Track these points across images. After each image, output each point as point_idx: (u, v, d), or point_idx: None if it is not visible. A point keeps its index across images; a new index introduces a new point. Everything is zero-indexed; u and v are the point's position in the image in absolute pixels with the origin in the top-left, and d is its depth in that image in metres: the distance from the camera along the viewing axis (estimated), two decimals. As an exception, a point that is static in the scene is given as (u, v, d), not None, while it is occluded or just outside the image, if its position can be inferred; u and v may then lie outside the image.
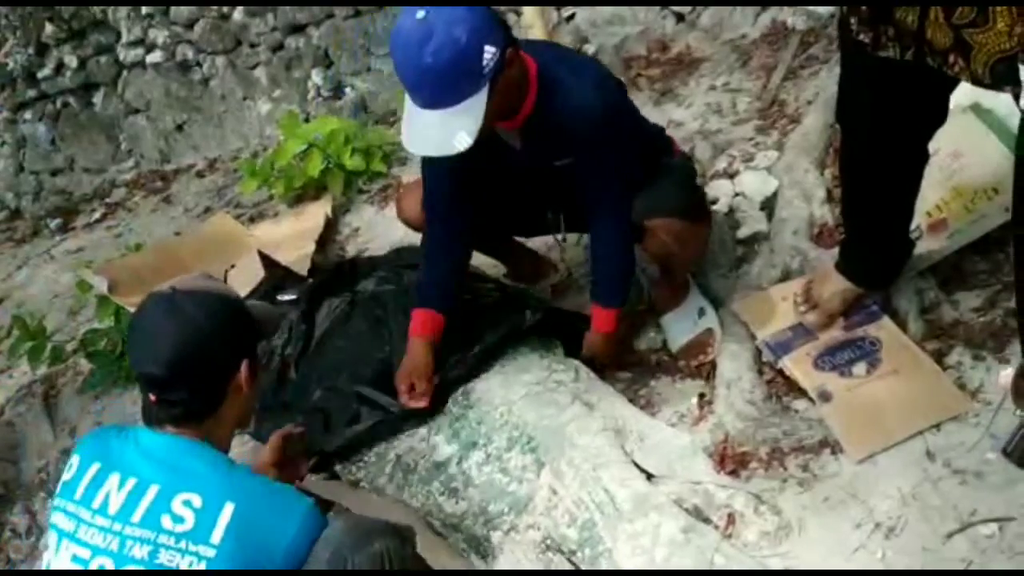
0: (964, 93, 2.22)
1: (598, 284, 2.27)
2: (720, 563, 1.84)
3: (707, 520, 1.96)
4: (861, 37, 1.65)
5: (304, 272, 3.06)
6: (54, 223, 4.81)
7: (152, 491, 1.49)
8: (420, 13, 1.80)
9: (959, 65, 1.52)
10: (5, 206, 5.28)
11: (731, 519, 1.94)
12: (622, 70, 3.55)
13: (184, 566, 1.44)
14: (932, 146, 2.24)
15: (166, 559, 1.45)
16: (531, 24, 3.15)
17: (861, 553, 1.82)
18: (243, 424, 1.77)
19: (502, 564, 1.99)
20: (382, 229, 3.35)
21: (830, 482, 1.96)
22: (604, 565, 1.91)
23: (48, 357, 3.14)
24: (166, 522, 1.46)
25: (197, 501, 1.48)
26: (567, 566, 1.95)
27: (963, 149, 2.22)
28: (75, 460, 1.58)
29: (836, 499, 1.92)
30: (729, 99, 3.15)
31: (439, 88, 1.82)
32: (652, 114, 3.23)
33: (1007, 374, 0.97)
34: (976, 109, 2.25)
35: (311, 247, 3.25)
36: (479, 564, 1.99)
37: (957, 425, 1.95)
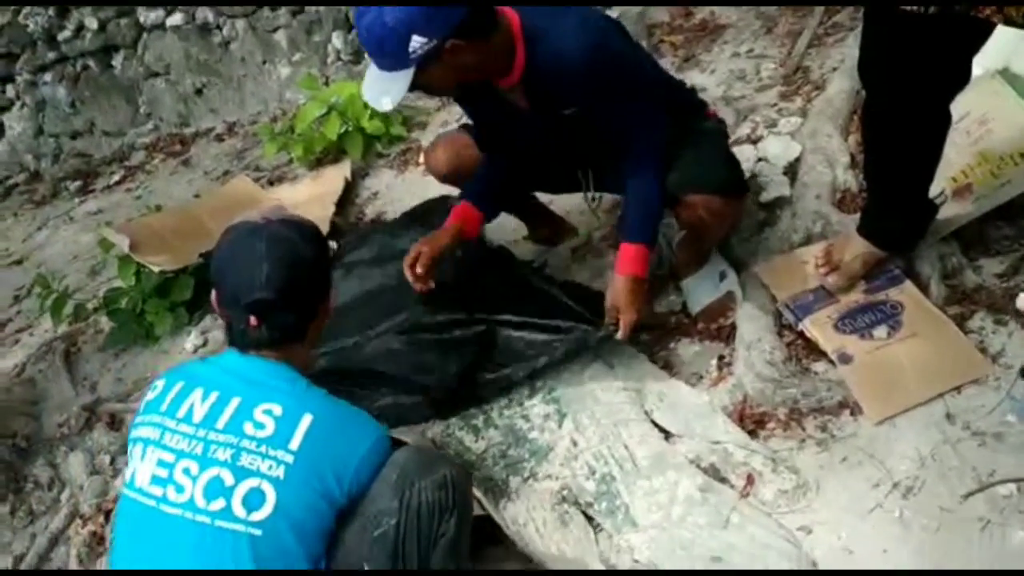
0: (992, 58, 2.21)
1: (627, 219, 2.20)
2: (736, 521, 1.87)
3: (724, 479, 1.98)
4: None
5: (324, 234, 3.06)
6: (73, 185, 4.84)
7: (235, 402, 1.58)
8: None
9: (990, 8, 1.50)
10: (25, 168, 5.30)
11: (750, 479, 1.96)
12: (645, 36, 3.54)
13: (264, 469, 1.53)
14: (959, 111, 2.23)
15: (247, 462, 1.53)
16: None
17: (878, 512, 1.83)
18: (316, 348, 1.90)
19: (517, 510, 2.01)
20: (401, 192, 3.36)
21: (848, 442, 1.97)
22: (620, 519, 1.94)
23: (71, 314, 3.17)
24: (248, 428, 1.55)
25: (278, 410, 1.57)
26: (580, 519, 1.98)
27: (990, 115, 2.21)
28: (160, 383, 1.68)
29: (854, 459, 1.94)
30: (753, 65, 3.14)
31: (371, 52, 1.98)
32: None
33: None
34: (1004, 74, 2.24)
35: (331, 210, 3.27)
36: (488, 506, 2.00)
37: (977, 388, 1.95)
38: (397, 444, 1.72)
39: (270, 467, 1.53)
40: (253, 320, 1.62)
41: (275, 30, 4.52)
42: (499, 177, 2.38)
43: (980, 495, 1.79)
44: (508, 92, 2.13)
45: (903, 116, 1.84)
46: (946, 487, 1.82)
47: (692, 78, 3.22)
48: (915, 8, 1.58)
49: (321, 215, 3.21)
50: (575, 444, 2.09)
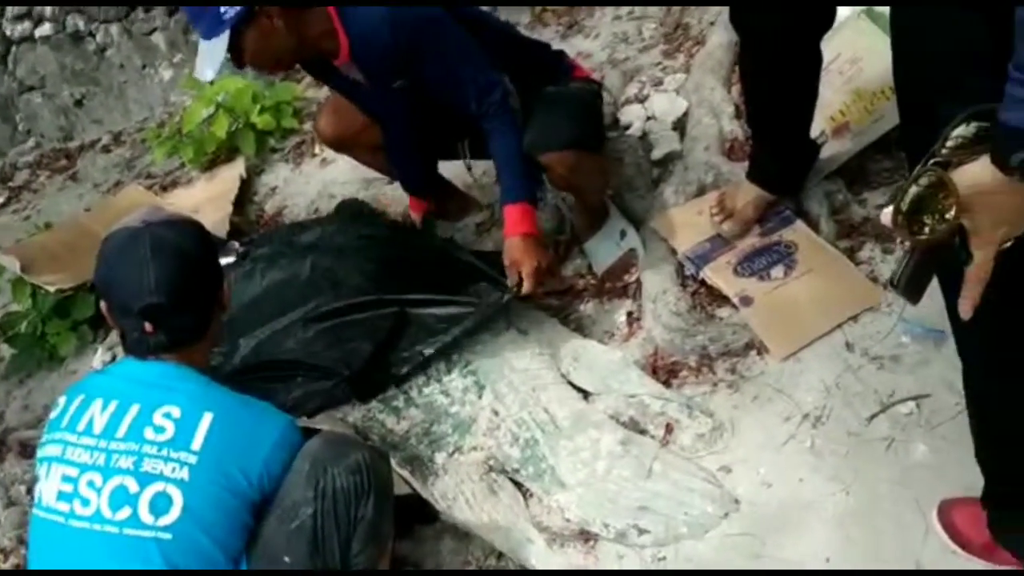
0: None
1: (501, 184, 2.24)
2: (658, 470, 1.92)
3: (644, 431, 2.03)
4: None
5: (223, 235, 3.02)
6: (-44, 212, 4.62)
7: (134, 408, 1.55)
8: None
9: None
10: (-99, 200, 5.04)
11: (668, 427, 2.01)
12: (528, 5, 3.55)
13: (167, 472, 1.50)
14: (831, 53, 2.31)
15: (150, 467, 1.50)
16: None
17: (791, 444, 1.91)
18: (218, 342, 1.90)
19: (446, 484, 2.03)
20: (299, 186, 3.31)
21: (758, 381, 2.04)
22: (547, 481, 1.97)
23: (-35, 344, 3.05)
24: (148, 433, 1.52)
25: (176, 412, 1.54)
26: (509, 486, 2.01)
27: (860, 53, 2.29)
28: (61, 400, 1.64)
29: (764, 396, 2.01)
30: (635, 27, 3.19)
31: (191, 21, 2.12)
32: (561, 47, 3.25)
33: (887, 211, 1.03)
34: (869, 14, 2.32)
35: (228, 209, 3.20)
36: (416, 485, 2.02)
37: (872, 315, 2.04)
38: (310, 433, 1.70)
39: (173, 470, 1.50)
40: (148, 326, 1.58)
41: (151, 32, 4.40)
42: (415, 167, 2.52)
43: (883, 416, 1.88)
44: (346, 71, 2.22)
45: (776, 60, 1.89)
46: (851, 412, 1.91)
47: (577, 44, 3.25)
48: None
49: (219, 216, 3.15)
50: (496, 413, 2.12)
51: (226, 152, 3.61)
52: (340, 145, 2.57)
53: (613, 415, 2.07)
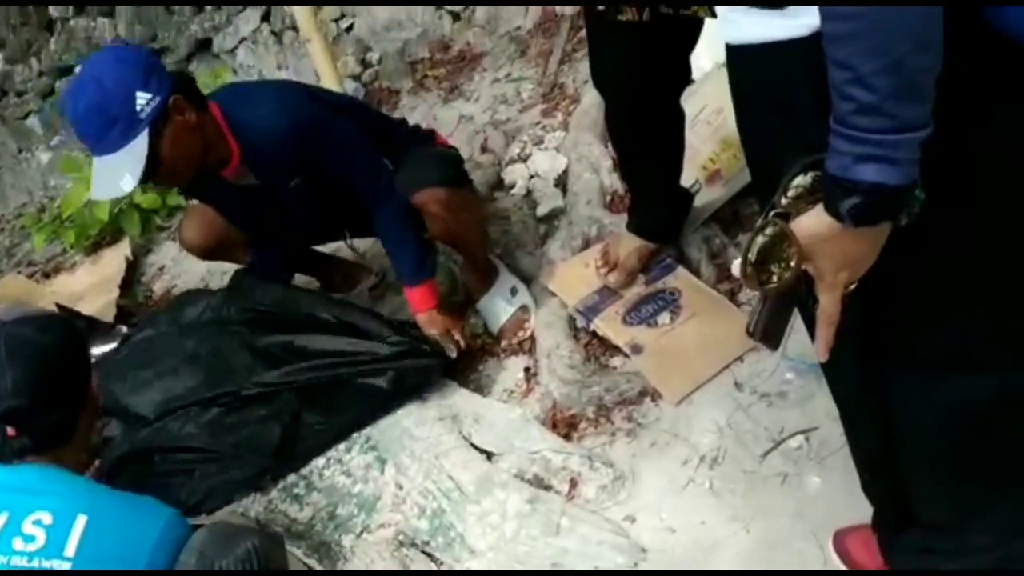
0: (718, 51, 2.40)
1: (397, 268, 2.34)
2: (566, 525, 1.92)
3: (548, 487, 2.04)
4: (597, 7, 1.75)
5: (110, 319, 2.94)
6: None
7: (2, 518, 1.47)
8: (77, 69, 1.93)
9: (695, 6, 1.64)
10: None
11: (573, 482, 2.02)
12: (408, 73, 3.61)
13: None
14: (698, 104, 2.42)
15: None
16: (309, 37, 3.14)
17: (691, 487, 1.94)
18: (93, 443, 1.80)
19: (355, 566, 1.99)
20: (188, 264, 3.25)
21: (654, 427, 2.08)
22: (457, 549, 1.96)
23: None
24: (17, 544, 1.45)
25: (47, 518, 1.46)
26: (422, 559, 1.98)
27: (724, 104, 2.39)
28: None
29: (662, 442, 2.04)
30: (513, 88, 3.26)
31: (96, 135, 1.92)
32: (442, 112, 3.32)
33: (736, 263, 1.07)
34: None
35: (115, 293, 3.13)
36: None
37: (756, 355, 2.10)
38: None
39: None
40: (10, 430, 1.51)
41: (26, 116, 4.28)
42: (276, 254, 2.49)
43: (775, 452, 1.93)
44: (237, 178, 2.19)
45: (640, 117, 1.97)
46: (745, 451, 1.95)
47: (459, 108, 3.31)
48: (631, 17, 1.70)
49: (105, 300, 3.08)
50: (401, 487, 2.09)
51: (110, 234, 3.53)
52: (210, 253, 2.50)
53: (517, 474, 2.07)
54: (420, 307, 2.29)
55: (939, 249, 1.05)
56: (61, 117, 4.02)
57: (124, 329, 2.78)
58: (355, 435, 2.21)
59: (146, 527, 1.53)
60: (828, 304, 1.04)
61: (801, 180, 1.00)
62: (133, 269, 3.33)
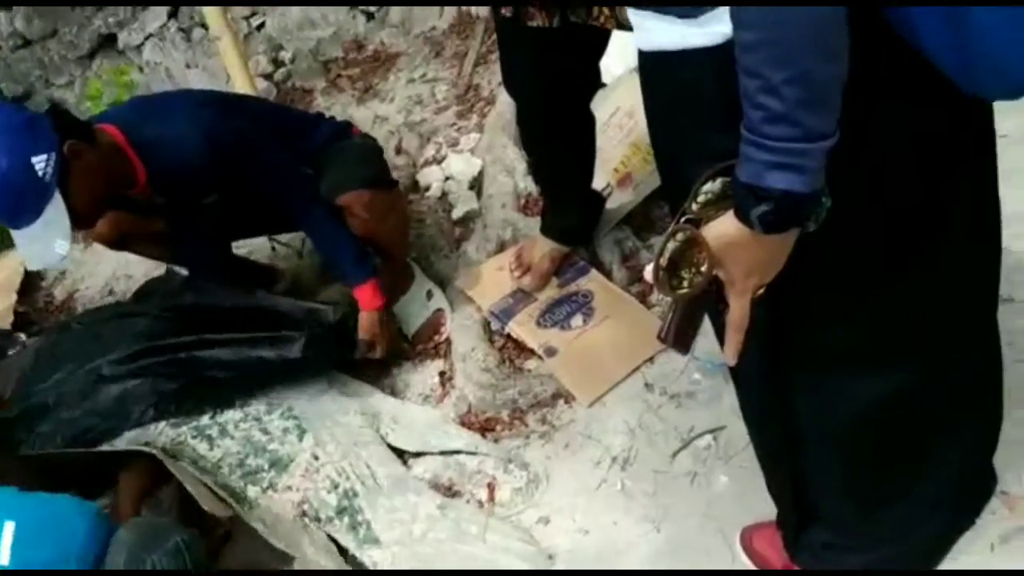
0: (630, 56, 2.43)
1: (339, 271, 2.31)
2: (474, 532, 1.93)
3: (461, 493, 2.04)
4: (503, 12, 1.75)
5: (8, 326, 2.82)
6: None
7: None
8: None
9: (604, 15, 1.66)
10: None
11: (491, 488, 2.02)
12: (322, 73, 3.56)
13: None
14: (609, 109, 2.45)
15: None
16: (219, 35, 3.06)
17: (604, 488, 1.96)
18: None
19: (259, 515, 1.97)
20: (91, 268, 3.15)
21: (568, 429, 2.09)
22: (361, 535, 1.95)
23: None
24: None
25: None
26: (321, 537, 1.96)
27: (634, 108, 2.42)
28: None
29: (576, 444, 2.06)
30: (428, 89, 3.24)
31: (9, 212, 1.87)
32: (357, 112, 3.28)
33: (648, 268, 1.08)
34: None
35: (11, 299, 3.00)
36: (235, 505, 1.96)
37: (666, 356, 2.14)
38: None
39: None
40: None
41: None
42: (194, 252, 2.44)
43: (685, 451, 1.96)
44: (144, 200, 2.14)
45: (551, 122, 1.98)
46: (655, 451, 1.98)
47: (374, 108, 3.27)
48: (541, 23, 1.71)
49: (3, 307, 2.95)
50: (316, 458, 2.08)
51: (6, 238, 3.38)
52: (120, 243, 2.41)
53: (432, 478, 2.07)
54: (368, 306, 2.25)
55: (834, 252, 1.08)
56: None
57: (23, 337, 2.68)
58: (276, 401, 2.19)
59: (72, 526, 1.53)
60: (737, 309, 1.06)
61: (711, 186, 1.02)
62: (32, 274, 3.20)
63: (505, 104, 2.84)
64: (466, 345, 2.28)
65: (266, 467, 2.07)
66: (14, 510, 1.50)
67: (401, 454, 2.15)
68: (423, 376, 2.37)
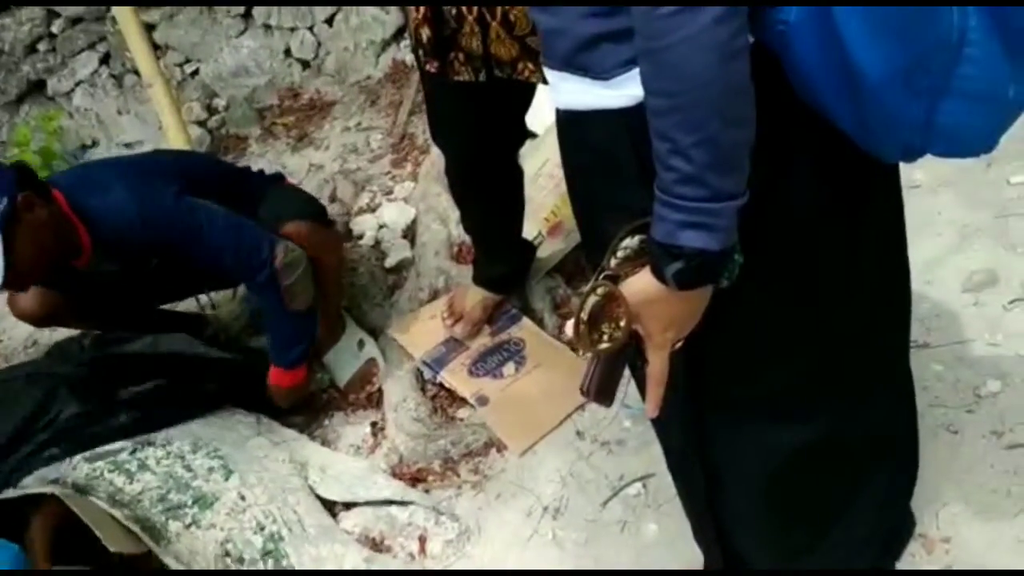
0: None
1: (271, 347, 2.29)
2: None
3: (390, 548, 2.01)
4: (428, 68, 1.77)
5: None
6: None
7: None
8: None
9: (528, 70, 1.69)
10: None
11: (422, 539, 2.00)
12: (257, 120, 3.54)
13: None
14: (540, 159, 2.48)
15: None
16: (151, 82, 3.04)
17: (535, 538, 1.95)
18: None
19: (179, 549, 1.92)
20: (12, 320, 3.05)
21: (500, 479, 2.08)
22: (284, 581, 1.90)
23: None
24: None
25: None
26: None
27: (565, 158, 2.46)
28: None
29: (507, 493, 2.05)
30: (364, 138, 3.25)
31: None
32: (291, 160, 3.27)
33: (570, 324, 1.09)
34: (572, 121, 2.51)
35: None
36: (149, 543, 1.89)
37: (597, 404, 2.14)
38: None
39: None
40: None
41: None
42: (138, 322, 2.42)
43: (615, 499, 1.97)
44: (91, 267, 2.09)
45: (478, 174, 2.00)
46: (586, 499, 1.98)
47: (309, 156, 3.27)
48: (466, 78, 1.73)
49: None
50: (243, 498, 2.02)
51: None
52: (47, 320, 2.35)
53: (363, 531, 2.04)
54: (276, 382, 2.28)
55: (748, 304, 1.10)
56: None
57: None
58: (201, 441, 2.13)
59: None
60: (656, 363, 1.07)
61: (629, 242, 1.04)
62: (-47, 324, 3.10)
63: (439, 153, 2.85)
64: (398, 395, 2.27)
65: (189, 503, 2.00)
66: None
67: (332, 506, 2.11)
68: (354, 427, 2.34)
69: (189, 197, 2.08)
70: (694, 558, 1.66)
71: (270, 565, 1.93)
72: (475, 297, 2.31)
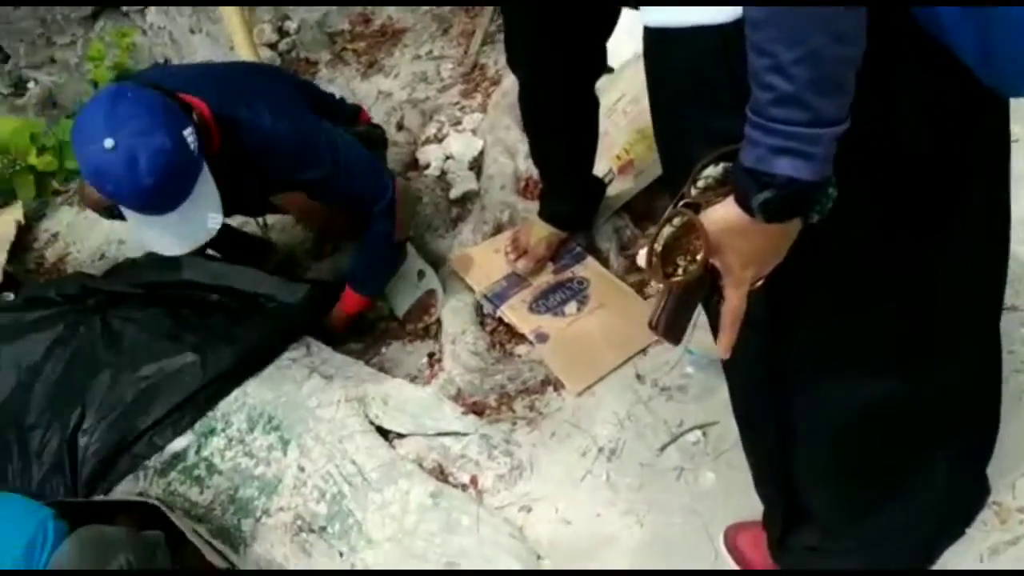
0: (638, 41, 2.39)
1: (358, 269, 2.27)
2: (466, 524, 1.88)
3: (449, 475, 2.00)
4: None
5: (-6, 284, 2.78)
6: None
7: None
8: (108, 142, 1.73)
9: None
10: None
11: (474, 479, 1.98)
12: (327, 45, 3.50)
13: None
14: (616, 94, 2.40)
15: None
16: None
17: (588, 479, 1.93)
18: None
19: (255, 552, 1.93)
20: (83, 232, 3.11)
21: (555, 417, 2.05)
22: (354, 537, 1.91)
23: None
24: None
25: None
26: (321, 544, 1.92)
27: (640, 94, 2.37)
28: None
29: (562, 432, 2.02)
30: (434, 67, 3.19)
31: (170, 196, 1.80)
32: (360, 87, 3.22)
33: (642, 253, 1.03)
34: (649, 56, 2.42)
35: (2, 258, 2.95)
36: (230, 555, 1.91)
37: (660, 347, 2.10)
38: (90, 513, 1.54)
39: None
40: None
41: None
42: None
43: (673, 446, 1.93)
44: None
45: (553, 102, 1.93)
46: (643, 444, 1.95)
47: (377, 83, 3.22)
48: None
49: (-10, 265, 2.90)
50: (302, 470, 2.02)
51: (2, 196, 3.34)
52: (114, 212, 2.28)
53: (416, 459, 2.03)
54: (345, 308, 2.29)
55: (839, 244, 1.04)
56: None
57: (11, 296, 2.64)
58: (256, 414, 2.12)
59: (14, 532, 1.42)
60: (733, 301, 1.01)
61: (712, 171, 0.97)
62: (24, 234, 3.16)
63: (510, 85, 2.79)
64: (457, 327, 2.24)
65: (256, 495, 2.02)
66: None
67: (386, 434, 2.11)
68: (411, 357, 2.33)
69: (323, 121, 2.06)
70: (752, 510, 1.62)
71: (336, 528, 1.93)
72: (540, 233, 2.26)
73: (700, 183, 0.99)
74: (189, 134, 1.78)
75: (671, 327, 1.08)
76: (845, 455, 1.30)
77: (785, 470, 1.36)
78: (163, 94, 1.83)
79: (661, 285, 1.03)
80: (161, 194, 1.78)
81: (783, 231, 0.93)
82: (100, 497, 2.03)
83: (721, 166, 0.97)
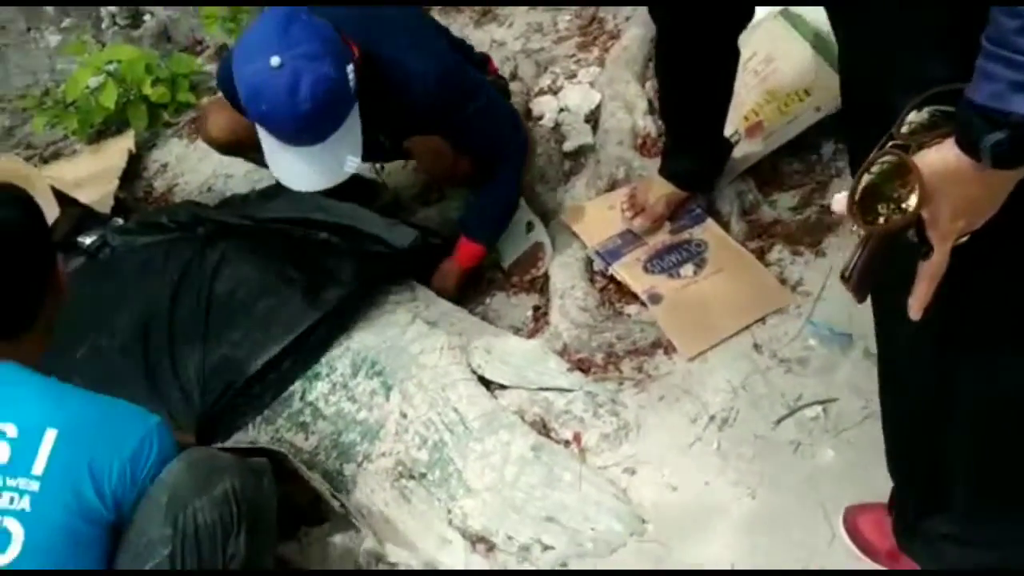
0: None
1: (473, 215, 2.25)
2: (568, 480, 1.84)
3: (551, 430, 1.96)
4: None
5: (107, 211, 2.83)
6: None
7: None
8: (274, 60, 1.70)
9: None
10: None
11: (577, 436, 1.94)
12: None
13: (5, 503, 1.29)
14: (746, 52, 2.28)
15: None
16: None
17: (698, 446, 1.87)
18: (51, 332, 1.52)
19: (356, 498, 1.92)
20: (192, 164, 3.14)
21: (665, 380, 1.99)
22: (453, 485, 1.88)
23: None
24: None
25: (12, 431, 1.32)
26: (420, 491, 1.91)
27: (775, 53, 2.27)
28: None
29: (671, 396, 1.96)
30: (550, 17, 3.11)
31: (321, 127, 1.78)
32: (474, 35, 3.16)
33: (841, 197, 0.95)
34: (785, 14, 2.31)
35: (114, 185, 3.00)
36: (342, 499, 1.90)
37: (780, 317, 2.02)
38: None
39: (12, 500, 1.29)
40: None
41: (37, -7, 4.10)
42: None
43: (790, 419, 1.85)
44: None
45: (694, 54, 1.84)
46: (758, 415, 1.88)
47: (491, 32, 3.16)
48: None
49: (104, 191, 2.95)
50: (404, 416, 2.00)
51: (115, 124, 3.39)
52: (232, 148, 2.31)
53: (517, 411, 1.99)
54: (461, 261, 2.24)
55: None
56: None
57: (120, 221, 2.68)
58: (359, 359, 2.10)
59: (122, 436, 1.38)
60: (937, 255, 0.93)
61: (917, 116, 0.89)
62: (135, 163, 3.20)
63: (631, 39, 2.71)
64: (565, 282, 2.19)
65: (358, 440, 2.00)
66: (58, 415, 1.36)
67: (488, 384, 2.07)
68: (516, 309, 2.30)
69: (474, 72, 2.05)
70: (874, 492, 1.55)
71: (437, 474, 1.91)
72: (659, 191, 2.18)
73: (904, 129, 0.91)
74: (351, 71, 1.76)
75: (863, 280, 1.00)
76: (1007, 439, 1.21)
77: (934, 445, 1.27)
78: (329, 25, 1.80)
79: (861, 233, 0.96)
80: (313, 124, 1.76)
81: (1005, 180, 0.85)
82: (219, 445, 2.00)
83: (926, 111, 0.89)
